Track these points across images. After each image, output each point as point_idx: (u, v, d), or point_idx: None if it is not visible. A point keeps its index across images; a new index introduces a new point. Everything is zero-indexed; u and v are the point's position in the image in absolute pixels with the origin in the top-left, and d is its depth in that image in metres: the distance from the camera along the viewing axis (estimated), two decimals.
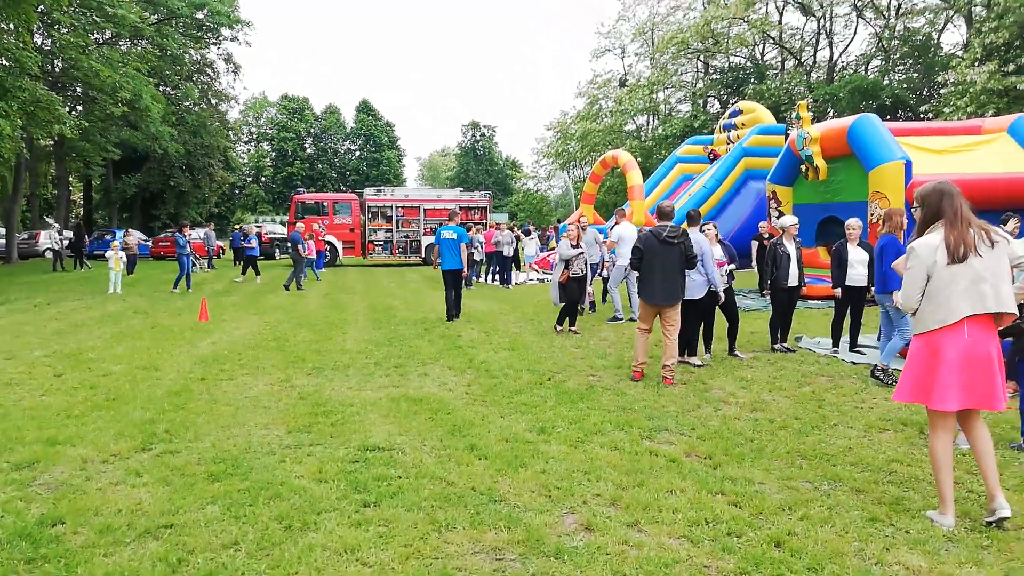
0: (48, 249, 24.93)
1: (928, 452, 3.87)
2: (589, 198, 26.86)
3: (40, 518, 3.70)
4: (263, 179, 70.61)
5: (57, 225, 28.37)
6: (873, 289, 7.84)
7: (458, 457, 4.76)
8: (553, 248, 13.06)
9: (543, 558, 3.32)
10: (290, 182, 65.24)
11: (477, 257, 20.07)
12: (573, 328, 10.39)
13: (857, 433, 5.39)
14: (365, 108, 74.16)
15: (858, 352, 8.61)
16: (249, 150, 71.23)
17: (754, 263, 16.54)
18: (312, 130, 72.13)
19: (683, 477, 4.40)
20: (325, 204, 28.90)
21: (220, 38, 40.14)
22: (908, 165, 12.68)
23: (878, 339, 8.24)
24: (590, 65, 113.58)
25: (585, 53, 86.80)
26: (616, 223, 12.08)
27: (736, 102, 30.27)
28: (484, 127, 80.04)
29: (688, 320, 8.08)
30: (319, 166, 71.45)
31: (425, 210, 28.92)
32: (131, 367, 7.70)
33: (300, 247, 18.01)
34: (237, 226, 27.38)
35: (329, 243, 26.84)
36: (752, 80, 42.10)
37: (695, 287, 7.90)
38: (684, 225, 7.90)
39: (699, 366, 7.94)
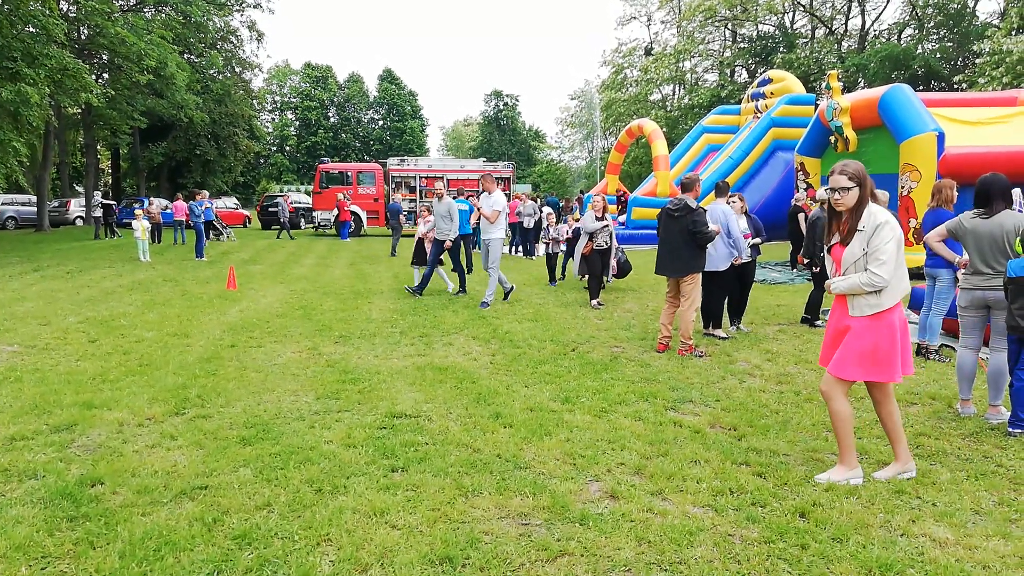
0: (94, 216, 25.45)
1: (888, 418, 4.00)
2: (614, 168, 26.66)
3: (80, 478, 3.82)
4: (287, 148, 70.82)
5: (99, 192, 28.72)
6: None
7: (483, 425, 4.82)
8: (577, 219, 13.01)
9: (568, 524, 3.38)
10: (314, 151, 65.41)
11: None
12: (597, 300, 10.39)
13: None
14: (388, 77, 73.87)
15: None
16: (273, 119, 71.41)
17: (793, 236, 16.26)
18: (335, 99, 72.06)
19: (707, 448, 4.43)
20: (349, 174, 28.98)
21: (244, 5, 40.13)
22: (941, 137, 12.42)
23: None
24: (615, 33, 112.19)
25: (610, 20, 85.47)
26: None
27: (764, 71, 29.73)
28: (507, 96, 79.34)
29: (712, 292, 8.06)
30: (343, 135, 71.50)
31: (448, 180, 28.89)
32: (162, 334, 7.86)
33: (402, 216, 19.21)
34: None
35: (353, 213, 26.95)
36: (781, 49, 41.25)
37: (719, 258, 7.85)
38: (709, 197, 7.86)
39: (724, 338, 7.92)
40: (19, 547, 3.06)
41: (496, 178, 30.76)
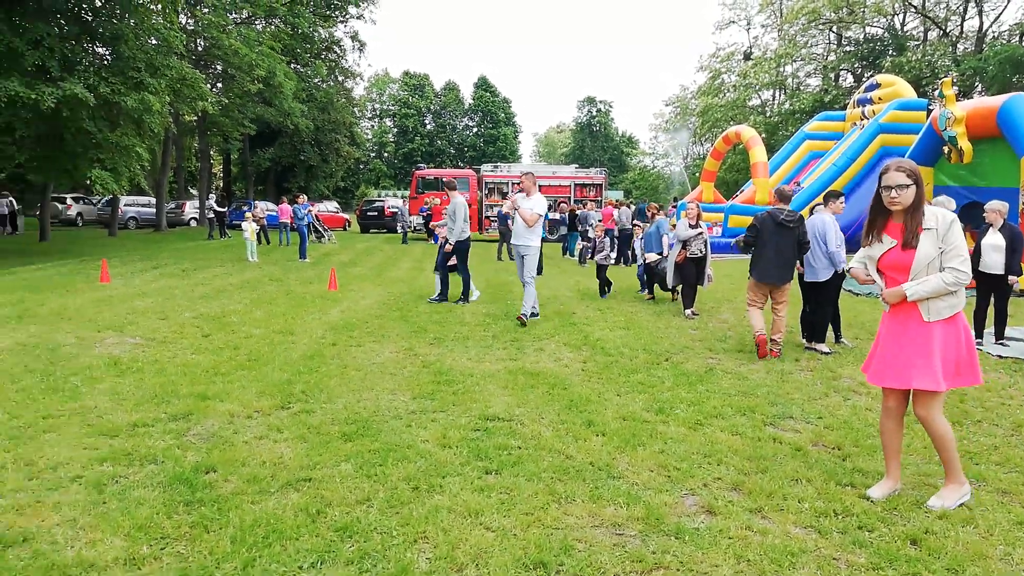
0: (207, 217, 27.25)
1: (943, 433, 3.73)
2: (709, 175, 26.09)
3: (195, 465, 4.05)
4: (385, 154, 72.94)
5: (213, 195, 30.46)
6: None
7: (576, 432, 4.82)
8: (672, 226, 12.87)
9: (663, 537, 3.33)
10: (411, 158, 67.13)
11: (591, 235, 19.96)
12: (691, 310, 10.19)
13: (1004, 431, 5.04)
14: (483, 84, 74.95)
15: (1003, 344, 8.00)
16: (373, 126, 73.76)
17: None
18: (432, 106, 73.72)
19: (809, 466, 4.27)
20: (443, 179, 29.55)
21: (347, 16, 41.65)
22: None
23: None
24: (712, 38, 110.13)
25: (707, 25, 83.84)
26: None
27: (872, 75, 28.41)
28: (600, 102, 79.04)
29: (816, 305, 7.80)
30: (438, 142, 73.04)
31: (540, 186, 28.98)
32: (269, 331, 8.24)
33: (509, 221, 19.25)
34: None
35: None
36: (890, 52, 39.36)
37: (820, 270, 7.61)
38: (817, 200, 7.65)
39: (827, 353, 7.62)
40: (141, 527, 3.28)
41: (588, 184, 30.58)
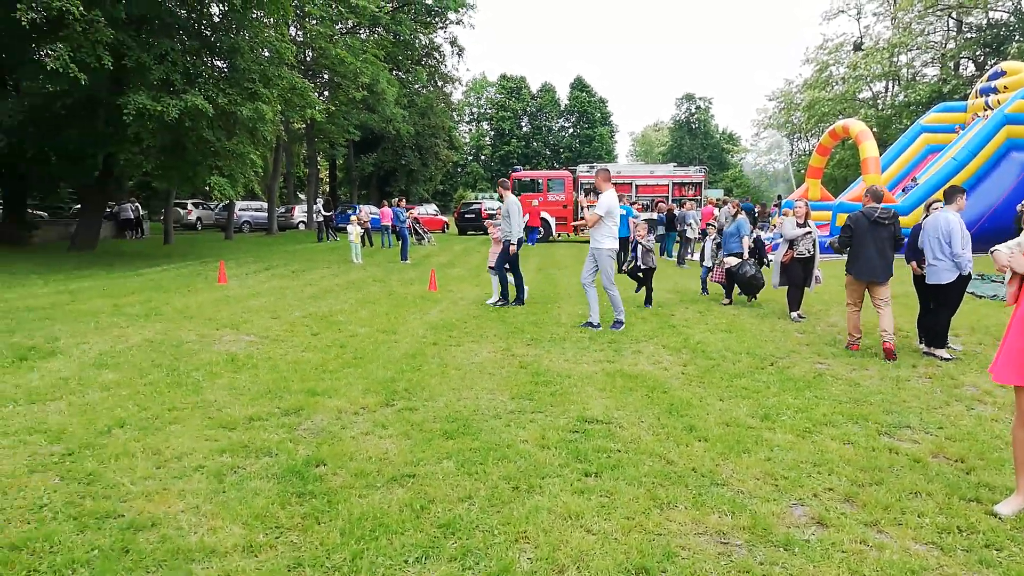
0: (316, 221, 28.53)
1: None
2: (816, 172, 25.02)
3: (306, 459, 4.23)
4: (483, 157, 73.94)
5: (321, 200, 31.80)
6: None
7: (676, 437, 4.73)
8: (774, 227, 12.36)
9: (771, 548, 3.22)
10: (507, 160, 67.80)
11: (690, 235, 19.55)
12: (798, 312, 9.80)
13: None
14: (579, 85, 74.83)
15: None
16: (470, 130, 74.93)
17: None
18: (528, 108, 74.18)
19: (929, 479, 4.03)
20: (540, 181, 29.67)
21: (447, 22, 42.47)
22: None
23: None
24: (819, 29, 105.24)
25: (813, 16, 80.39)
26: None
27: (996, 63, 26.45)
28: (699, 99, 77.31)
29: (936, 308, 7.36)
30: (534, 144, 73.46)
31: (637, 186, 28.66)
32: (373, 330, 8.51)
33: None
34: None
35: (543, 219, 27.57)
36: (1017, 37, 36.45)
37: (943, 271, 7.16)
38: (936, 197, 7.23)
39: (946, 359, 7.16)
40: (257, 516, 3.45)
41: (686, 183, 29.95)
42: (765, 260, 11.44)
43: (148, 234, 30.63)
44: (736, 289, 11.18)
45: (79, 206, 27.39)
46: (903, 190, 22.47)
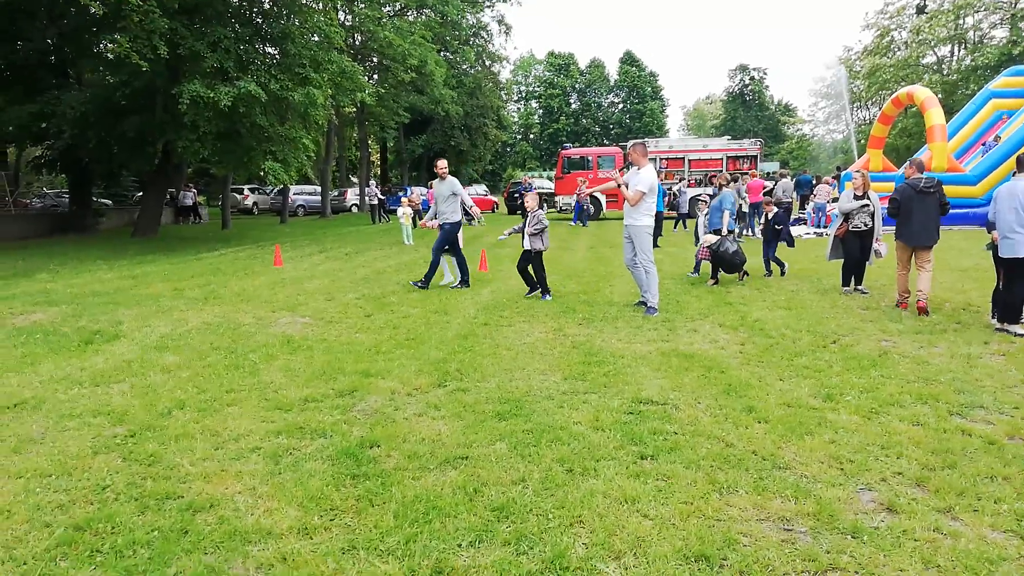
0: (369, 204, 28.91)
1: None
2: (878, 142, 24.06)
3: (360, 440, 4.24)
4: (531, 136, 73.48)
5: (374, 181, 32.13)
6: None
7: (735, 418, 4.59)
8: (835, 199, 11.92)
9: (838, 535, 3.08)
10: (556, 138, 67.21)
11: (745, 210, 19.05)
12: (860, 287, 9.45)
13: None
14: (629, 59, 73.54)
15: None
16: (519, 108, 74.46)
17: None
18: (577, 85, 73.28)
19: (1006, 463, 3.81)
20: (590, 158, 29.32)
21: (494, 0, 42.14)
22: None
23: None
24: None
25: None
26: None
27: None
28: (753, 70, 75.15)
29: (1011, 281, 6.99)
30: (583, 121, 72.63)
31: (690, 161, 28.06)
32: (425, 311, 8.53)
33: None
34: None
35: (594, 197, 27.23)
36: None
37: (1020, 244, 6.80)
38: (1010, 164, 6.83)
39: (1021, 335, 6.80)
40: (313, 498, 3.46)
41: (741, 156, 29.17)
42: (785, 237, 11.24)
43: (206, 219, 31.44)
44: (740, 271, 10.72)
45: (141, 193, 28.27)
46: (983, 146, 21.41)
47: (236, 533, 3.12)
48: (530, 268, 9.37)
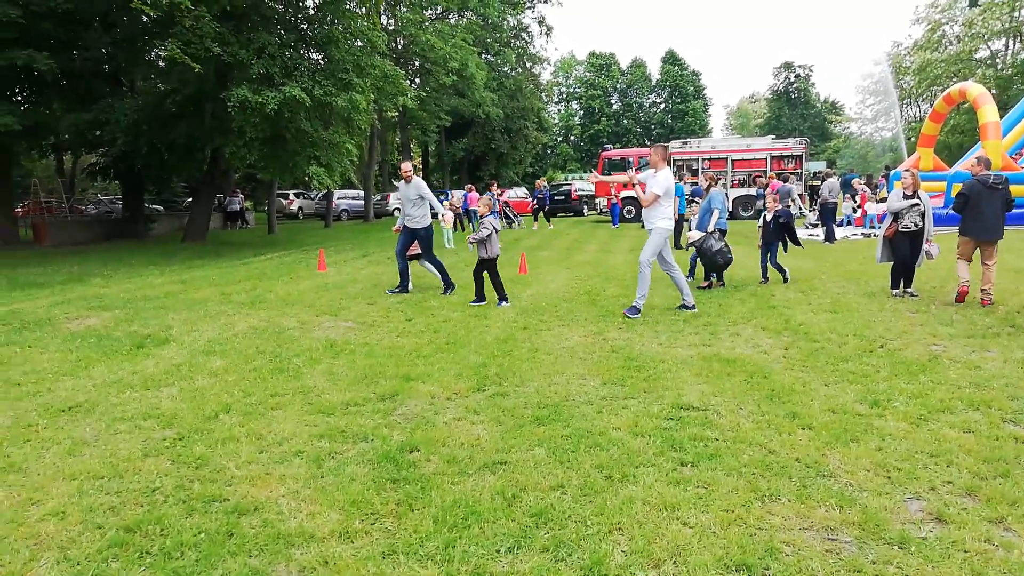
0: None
1: None
2: (928, 140, 23.42)
3: (400, 444, 4.28)
4: (572, 138, 73.26)
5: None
6: None
7: (778, 424, 4.52)
8: (883, 199, 11.59)
9: (884, 545, 3.01)
10: (597, 139, 66.82)
11: (794, 210, 18.73)
12: (909, 290, 9.21)
13: None
14: (671, 58, 72.73)
15: None
16: (559, 110, 74.27)
17: None
18: (618, 86, 72.79)
19: None
20: (631, 159, 29.13)
21: (535, 2, 42.21)
22: None
23: None
24: None
25: None
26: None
27: None
28: (799, 67, 73.71)
29: None
30: (624, 122, 72.04)
31: (733, 161, 27.70)
32: (465, 315, 8.58)
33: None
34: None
35: (634, 198, 27.08)
36: None
37: None
38: None
39: None
40: (354, 502, 3.51)
41: (786, 156, 28.72)
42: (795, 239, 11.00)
43: (253, 224, 32.11)
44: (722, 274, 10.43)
45: (191, 199, 29.00)
46: None
47: (279, 536, 3.18)
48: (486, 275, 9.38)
